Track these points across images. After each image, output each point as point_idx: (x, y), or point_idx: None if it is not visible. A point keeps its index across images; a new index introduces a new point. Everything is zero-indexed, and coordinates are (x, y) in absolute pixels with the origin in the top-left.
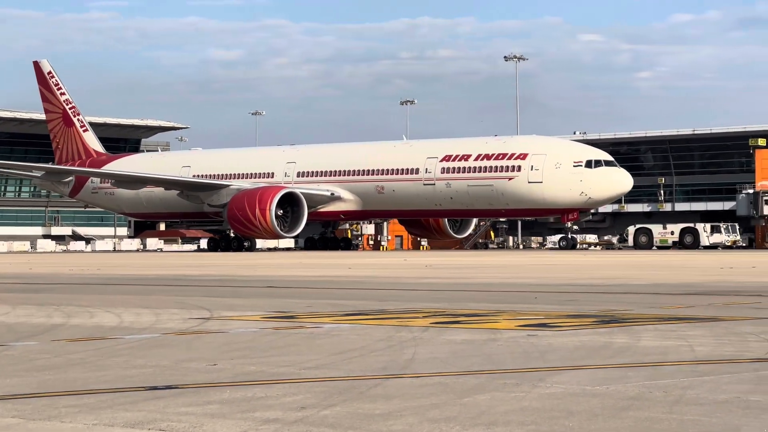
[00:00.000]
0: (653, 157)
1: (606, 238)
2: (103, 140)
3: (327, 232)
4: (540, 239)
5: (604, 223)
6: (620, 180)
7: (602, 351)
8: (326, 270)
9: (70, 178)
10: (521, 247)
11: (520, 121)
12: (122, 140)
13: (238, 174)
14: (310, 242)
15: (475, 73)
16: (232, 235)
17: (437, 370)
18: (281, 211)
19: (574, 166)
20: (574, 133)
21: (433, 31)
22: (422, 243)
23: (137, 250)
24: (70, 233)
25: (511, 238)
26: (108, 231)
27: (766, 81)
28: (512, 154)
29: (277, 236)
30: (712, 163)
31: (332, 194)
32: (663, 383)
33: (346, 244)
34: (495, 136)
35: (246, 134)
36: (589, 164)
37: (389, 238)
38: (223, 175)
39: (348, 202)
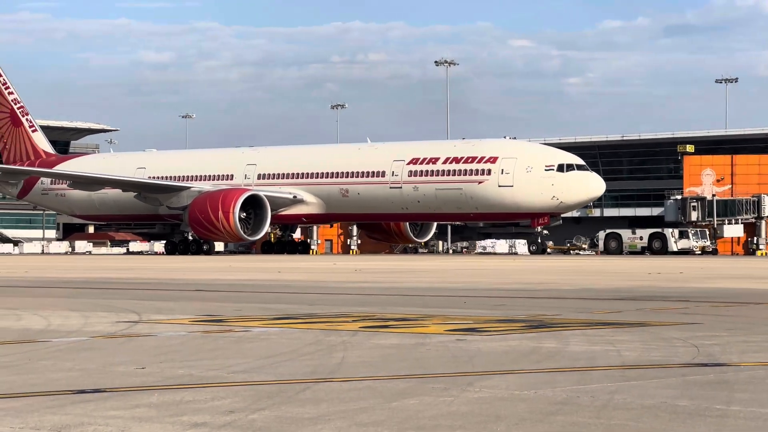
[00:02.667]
0: None
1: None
2: None
3: (285, 236)
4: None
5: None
6: (592, 184)
7: (531, 356)
8: (257, 274)
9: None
10: (450, 251)
11: (450, 125)
12: (51, 142)
13: (196, 176)
14: (266, 246)
15: (406, 77)
16: (190, 237)
17: (366, 375)
18: (244, 214)
19: (546, 169)
20: (504, 138)
21: (365, 35)
22: (352, 247)
23: (66, 253)
24: None
25: (440, 242)
26: (36, 233)
27: (694, 88)
28: (482, 158)
29: (240, 239)
30: (640, 169)
31: (294, 197)
32: (591, 388)
33: (305, 248)
34: (463, 139)
35: (176, 137)
36: (561, 168)
37: (319, 242)
38: (179, 177)
39: (311, 205)
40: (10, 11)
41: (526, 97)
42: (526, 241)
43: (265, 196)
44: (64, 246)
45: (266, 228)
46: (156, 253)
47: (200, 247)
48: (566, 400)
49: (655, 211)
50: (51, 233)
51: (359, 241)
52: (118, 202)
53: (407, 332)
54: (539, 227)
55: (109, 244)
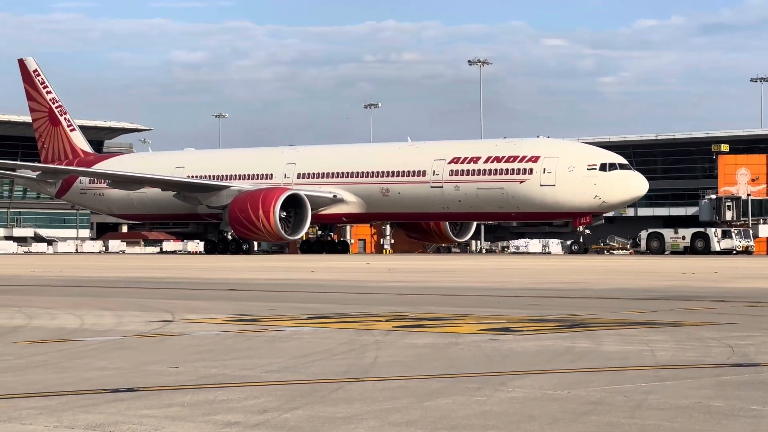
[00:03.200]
0: None
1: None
2: None
3: (324, 235)
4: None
5: (566, 228)
6: (635, 183)
7: (564, 355)
8: (290, 273)
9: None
10: (484, 251)
11: (483, 125)
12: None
13: (235, 175)
14: (306, 245)
15: (439, 76)
16: (229, 237)
17: (399, 374)
18: (284, 214)
19: (588, 169)
20: (538, 137)
21: (398, 35)
22: (385, 247)
23: (99, 253)
24: (32, 235)
25: (474, 242)
26: (70, 233)
27: (728, 87)
28: (524, 157)
29: (281, 239)
30: (674, 169)
31: (335, 196)
32: (624, 388)
33: (344, 248)
34: (504, 138)
35: (209, 137)
36: (603, 167)
37: (352, 241)
38: (218, 176)
39: (351, 204)
40: (45, 12)
41: (560, 96)
42: (559, 240)
43: (306, 195)
44: (97, 245)
45: (306, 227)
46: (189, 253)
47: (240, 246)
48: (600, 400)
49: (690, 211)
50: (85, 233)
51: (392, 241)
52: (157, 202)
53: (440, 332)
54: (581, 227)
55: (142, 243)
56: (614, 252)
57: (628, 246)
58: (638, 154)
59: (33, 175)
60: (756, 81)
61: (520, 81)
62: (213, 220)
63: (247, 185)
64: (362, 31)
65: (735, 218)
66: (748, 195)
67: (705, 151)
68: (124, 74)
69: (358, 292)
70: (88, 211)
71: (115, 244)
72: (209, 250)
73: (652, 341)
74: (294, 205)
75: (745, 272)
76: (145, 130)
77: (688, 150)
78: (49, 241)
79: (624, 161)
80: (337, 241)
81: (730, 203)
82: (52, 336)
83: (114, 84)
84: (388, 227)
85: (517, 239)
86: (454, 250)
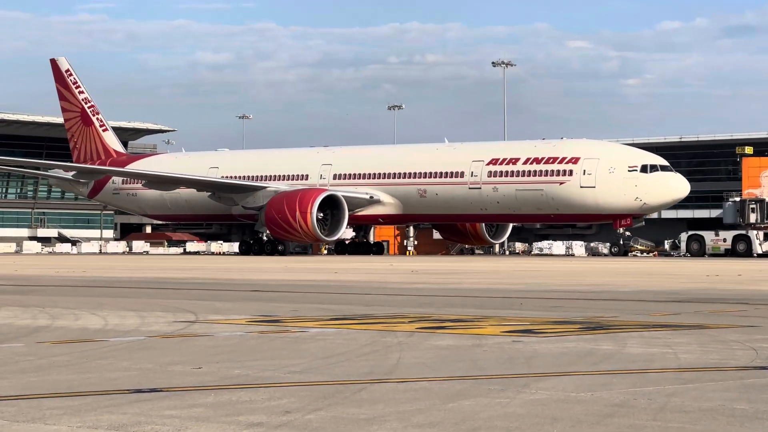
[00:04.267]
0: None
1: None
2: None
3: (359, 237)
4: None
5: (590, 230)
6: (677, 185)
7: (587, 358)
8: (313, 275)
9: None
10: (507, 252)
11: (507, 126)
12: None
13: (270, 176)
14: (340, 246)
15: (463, 78)
16: (265, 238)
17: (422, 376)
18: (320, 215)
19: (629, 170)
20: (561, 139)
21: (422, 36)
22: (408, 248)
23: (123, 253)
24: (56, 235)
25: (497, 244)
26: (94, 233)
27: (753, 89)
28: (563, 158)
29: (318, 240)
30: (698, 171)
31: (371, 197)
32: (648, 390)
33: (378, 249)
34: (543, 139)
35: (233, 138)
36: (644, 169)
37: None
38: (253, 176)
39: (387, 205)
40: (70, 13)
41: (584, 98)
42: (582, 242)
43: (342, 196)
44: (121, 246)
45: (343, 229)
46: (213, 253)
47: (275, 247)
48: (623, 403)
49: (714, 213)
50: (108, 233)
51: (416, 242)
52: (190, 202)
53: (463, 333)
54: (621, 228)
55: (166, 244)
56: (638, 255)
57: (667, 248)
58: (662, 156)
59: (67, 175)
60: None
61: (543, 83)
62: (247, 220)
63: (283, 186)
64: (386, 33)
65: (759, 221)
66: None
67: (729, 154)
68: (149, 75)
69: (382, 293)
70: (112, 212)
71: (138, 245)
72: (244, 250)
73: (676, 344)
74: (331, 206)
75: None
76: (169, 131)
77: (712, 152)
78: (73, 242)
79: (665, 163)
80: (372, 242)
81: (754, 205)
82: (75, 336)
83: (138, 85)
84: (411, 228)
85: (541, 241)
86: (477, 252)
